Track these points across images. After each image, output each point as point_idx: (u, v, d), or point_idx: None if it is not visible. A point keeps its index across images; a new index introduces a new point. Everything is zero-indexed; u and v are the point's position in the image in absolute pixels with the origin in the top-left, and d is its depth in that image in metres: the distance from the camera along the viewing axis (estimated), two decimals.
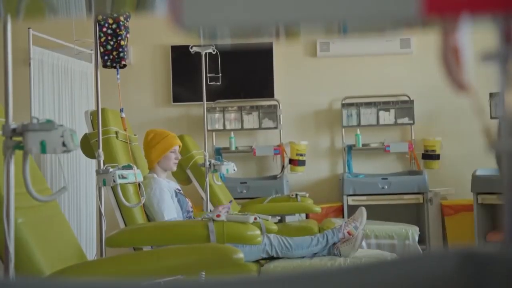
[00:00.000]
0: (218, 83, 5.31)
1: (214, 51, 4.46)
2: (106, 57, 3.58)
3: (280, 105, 6.14)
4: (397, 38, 6.10)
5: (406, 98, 6.11)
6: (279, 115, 6.10)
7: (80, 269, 2.25)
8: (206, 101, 4.57)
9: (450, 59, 0.71)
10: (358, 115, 6.03)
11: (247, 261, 3.45)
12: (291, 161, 6.07)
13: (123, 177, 3.05)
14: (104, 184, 3.03)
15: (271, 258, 3.79)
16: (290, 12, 0.61)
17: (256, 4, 0.62)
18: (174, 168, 3.91)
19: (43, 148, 1.85)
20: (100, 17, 3.47)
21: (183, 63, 6.15)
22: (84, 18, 4.59)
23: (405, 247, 4.60)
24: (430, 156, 6.02)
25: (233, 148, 6.11)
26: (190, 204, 3.92)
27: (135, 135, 4.10)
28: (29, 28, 4.30)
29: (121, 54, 3.57)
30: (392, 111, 6.04)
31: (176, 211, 3.68)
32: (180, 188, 3.98)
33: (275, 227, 3.72)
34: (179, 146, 3.94)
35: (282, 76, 6.25)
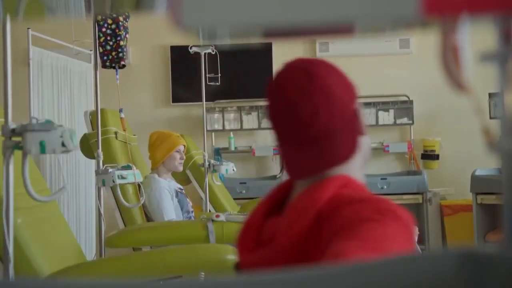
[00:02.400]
0: (217, 83, 5.31)
1: (213, 51, 4.47)
2: (105, 58, 3.58)
3: None
4: (396, 38, 6.10)
5: (405, 98, 6.11)
6: None
7: (79, 269, 2.25)
8: (206, 101, 4.57)
9: (450, 59, 0.71)
10: None
11: None
12: None
13: (122, 177, 3.05)
14: (104, 185, 3.03)
15: None
16: (290, 12, 0.61)
17: (256, 4, 0.62)
18: (180, 168, 3.92)
19: (43, 148, 1.85)
20: (99, 18, 3.47)
21: (182, 63, 6.15)
22: (83, 19, 4.59)
23: None
24: (429, 156, 6.02)
25: (233, 148, 6.11)
26: (191, 204, 3.92)
27: (134, 135, 4.09)
28: (28, 28, 4.30)
29: (120, 55, 3.57)
30: (391, 111, 6.04)
31: (176, 211, 3.68)
32: (182, 188, 3.98)
33: None
34: (184, 147, 3.96)
35: None
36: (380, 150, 6.04)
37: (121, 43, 3.56)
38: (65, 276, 2.17)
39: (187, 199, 3.91)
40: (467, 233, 5.42)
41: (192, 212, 3.87)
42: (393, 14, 0.60)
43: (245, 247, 1.25)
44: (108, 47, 3.57)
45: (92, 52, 4.66)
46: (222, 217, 2.81)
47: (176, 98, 6.24)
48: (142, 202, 3.36)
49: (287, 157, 1.27)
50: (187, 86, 6.16)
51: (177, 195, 3.78)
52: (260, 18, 0.62)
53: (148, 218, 3.63)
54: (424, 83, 6.09)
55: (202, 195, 4.64)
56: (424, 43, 6.05)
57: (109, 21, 3.55)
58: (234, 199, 5.34)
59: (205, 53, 4.36)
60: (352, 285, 0.59)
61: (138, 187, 3.41)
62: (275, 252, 1.15)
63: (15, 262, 1.98)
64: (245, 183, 5.87)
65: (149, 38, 6.20)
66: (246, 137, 6.27)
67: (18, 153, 1.90)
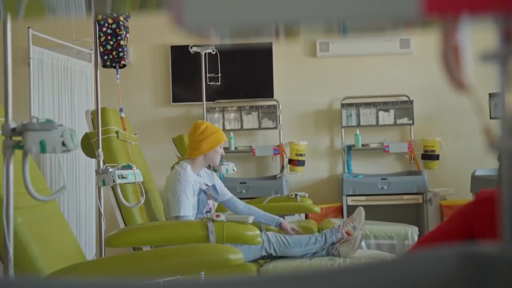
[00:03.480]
0: (217, 83, 5.31)
1: (213, 51, 4.47)
2: (105, 57, 3.58)
3: (280, 105, 6.14)
4: (397, 38, 6.10)
5: (405, 98, 6.11)
6: (279, 115, 6.10)
7: (79, 269, 2.25)
8: (206, 101, 4.57)
9: (450, 59, 0.71)
10: (358, 115, 6.03)
11: (246, 260, 3.45)
12: (290, 161, 6.07)
13: (122, 177, 3.05)
14: (104, 184, 3.03)
15: (270, 258, 3.79)
16: (290, 12, 0.61)
17: (256, 4, 0.62)
18: (217, 163, 3.94)
19: (43, 148, 1.85)
20: (99, 17, 3.48)
21: (182, 63, 6.15)
22: (84, 18, 4.59)
23: (405, 248, 4.60)
24: (429, 156, 6.02)
25: (233, 148, 6.11)
26: (210, 207, 3.87)
27: (135, 134, 4.09)
28: (28, 27, 4.30)
29: (121, 54, 3.57)
30: (392, 111, 6.04)
31: (193, 209, 3.68)
32: (210, 185, 3.94)
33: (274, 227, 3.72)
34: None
35: (281, 76, 6.25)
36: (381, 150, 6.04)
37: (122, 42, 3.56)
38: (65, 275, 2.17)
39: (209, 200, 3.86)
40: None
41: (207, 213, 3.82)
42: (394, 14, 0.60)
43: None
44: (109, 47, 3.57)
45: (92, 52, 4.66)
46: (222, 217, 2.81)
47: (176, 98, 6.24)
48: (142, 202, 3.35)
49: None
50: (188, 86, 6.16)
51: (199, 193, 3.76)
52: (260, 18, 0.62)
53: (150, 216, 3.63)
54: (425, 83, 6.09)
55: None
56: (425, 43, 6.05)
57: (110, 21, 3.55)
58: None
59: (205, 53, 4.36)
60: (353, 284, 0.59)
61: (139, 186, 3.41)
62: None
63: (15, 261, 1.98)
64: (245, 183, 5.87)
65: (150, 38, 6.20)
66: (246, 137, 6.27)
67: (18, 152, 1.90)
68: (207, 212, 3.84)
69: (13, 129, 1.88)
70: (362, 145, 6.06)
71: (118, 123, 3.78)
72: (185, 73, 6.17)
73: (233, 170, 4.67)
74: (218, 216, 2.81)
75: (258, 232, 2.81)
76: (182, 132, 5.60)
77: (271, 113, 6.10)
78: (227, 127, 6.10)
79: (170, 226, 3.04)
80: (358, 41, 6.05)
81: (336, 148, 6.27)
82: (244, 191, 5.77)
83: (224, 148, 6.11)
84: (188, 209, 3.58)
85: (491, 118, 5.29)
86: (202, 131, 3.86)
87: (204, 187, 3.80)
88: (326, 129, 6.29)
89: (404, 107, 6.04)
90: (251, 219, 2.83)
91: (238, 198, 5.34)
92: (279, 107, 6.12)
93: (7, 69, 1.98)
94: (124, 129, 3.77)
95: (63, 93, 4.88)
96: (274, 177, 6.09)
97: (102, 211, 3.09)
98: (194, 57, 4.44)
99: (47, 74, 4.67)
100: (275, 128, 6.11)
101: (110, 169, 3.03)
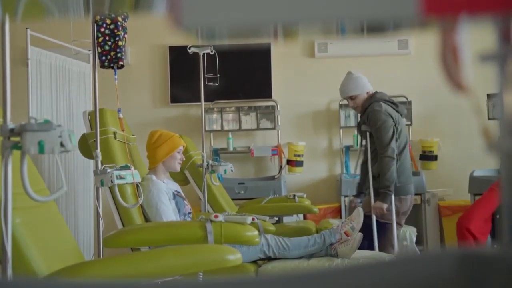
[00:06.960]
0: (216, 84, 5.31)
1: (212, 51, 4.45)
2: (104, 58, 3.57)
3: (278, 105, 6.14)
4: (395, 39, 6.11)
5: (403, 99, 6.11)
6: (277, 116, 6.11)
7: (77, 269, 2.25)
8: (204, 101, 4.56)
9: (449, 59, 0.71)
10: (356, 115, 6.04)
11: (244, 262, 3.45)
12: (289, 162, 6.07)
13: (120, 177, 3.05)
14: (102, 185, 3.03)
15: (268, 259, 3.79)
16: (289, 12, 0.61)
17: (255, 5, 0.62)
18: (178, 169, 3.92)
19: (41, 148, 1.84)
20: (98, 18, 3.47)
21: (181, 64, 6.15)
22: (82, 19, 4.59)
23: (403, 248, 4.60)
24: (427, 157, 6.02)
25: (231, 149, 6.11)
26: (189, 207, 3.90)
27: (133, 135, 4.09)
28: (27, 28, 4.30)
29: (119, 55, 3.57)
30: None
31: (174, 213, 3.68)
32: (179, 190, 3.97)
33: (272, 227, 3.72)
34: (183, 147, 3.97)
35: (280, 76, 6.25)
36: None
37: (120, 43, 3.56)
38: (63, 276, 2.16)
39: (185, 201, 3.90)
40: None
41: (189, 214, 3.86)
42: (392, 14, 0.60)
43: None
44: (107, 47, 3.56)
45: (90, 52, 4.66)
46: (221, 218, 2.81)
47: (174, 99, 6.24)
48: (140, 202, 3.35)
49: None
50: (186, 87, 6.16)
51: (174, 198, 3.77)
52: (258, 19, 0.63)
53: (147, 219, 3.63)
54: (423, 84, 6.09)
55: (201, 196, 4.64)
56: (423, 44, 6.06)
57: (108, 21, 3.54)
58: (233, 199, 5.34)
59: (203, 53, 4.35)
60: (351, 285, 0.59)
61: (136, 187, 3.41)
62: None
63: (13, 262, 1.98)
64: (243, 183, 5.87)
65: (148, 38, 6.20)
66: (244, 138, 6.27)
67: (16, 153, 1.90)
68: (189, 213, 3.85)
69: (11, 130, 1.88)
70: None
71: (116, 124, 3.77)
72: (183, 74, 6.17)
73: (231, 170, 4.66)
74: (216, 216, 2.81)
75: (256, 232, 2.81)
76: (181, 132, 5.59)
77: (270, 113, 6.10)
78: (226, 128, 6.10)
79: (168, 227, 3.04)
80: (357, 41, 6.05)
81: (334, 149, 6.28)
82: (242, 192, 5.77)
83: (223, 149, 6.14)
84: (170, 215, 3.59)
85: (489, 119, 5.29)
86: (156, 139, 3.88)
87: (175, 192, 3.82)
88: (325, 130, 6.29)
89: None
90: (249, 219, 2.83)
91: (237, 199, 5.38)
92: (277, 108, 6.12)
93: (6, 69, 1.98)
94: (122, 130, 3.77)
95: (61, 93, 4.88)
96: (272, 178, 6.09)
97: (100, 211, 3.08)
98: (193, 57, 4.43)
99: (45, 75, 4.67)
100: (274, 128, 6.11)
101: (108, 170, 3.02)
